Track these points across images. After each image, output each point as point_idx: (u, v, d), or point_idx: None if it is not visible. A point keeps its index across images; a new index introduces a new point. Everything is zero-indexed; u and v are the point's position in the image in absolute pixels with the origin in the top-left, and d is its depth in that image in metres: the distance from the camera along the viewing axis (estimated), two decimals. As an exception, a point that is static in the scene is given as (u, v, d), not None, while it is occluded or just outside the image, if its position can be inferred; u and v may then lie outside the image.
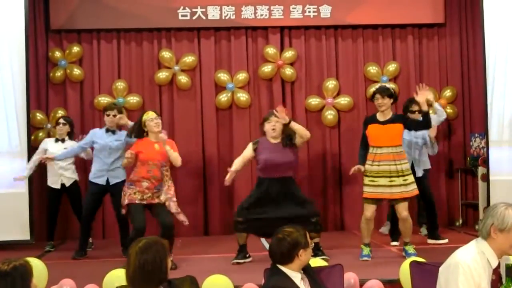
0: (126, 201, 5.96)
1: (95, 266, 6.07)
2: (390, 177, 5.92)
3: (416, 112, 6.87)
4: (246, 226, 6.05)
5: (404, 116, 6.30)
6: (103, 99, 8.02)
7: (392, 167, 5.93)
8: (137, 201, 5.91)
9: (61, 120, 7.15)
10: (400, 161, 5.97)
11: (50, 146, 7.03)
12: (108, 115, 6.67)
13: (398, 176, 5.93)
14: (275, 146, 6.10)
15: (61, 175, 7.05)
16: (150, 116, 6.07)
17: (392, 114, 6.10)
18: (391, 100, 6.10)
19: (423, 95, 5.96)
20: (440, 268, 3.37)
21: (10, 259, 2.90)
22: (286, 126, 6.08)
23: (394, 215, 6.59)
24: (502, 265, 3.31)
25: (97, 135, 6.64)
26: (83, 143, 6.76)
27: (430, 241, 6.95)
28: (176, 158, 6.04)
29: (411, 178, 6.00)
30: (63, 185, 7.07)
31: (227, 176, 6.21)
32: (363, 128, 6.22)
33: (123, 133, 6.60)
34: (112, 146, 6.59)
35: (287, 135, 6.10)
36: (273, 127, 6.11)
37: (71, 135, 7.15)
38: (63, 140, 7.05)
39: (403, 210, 6.00)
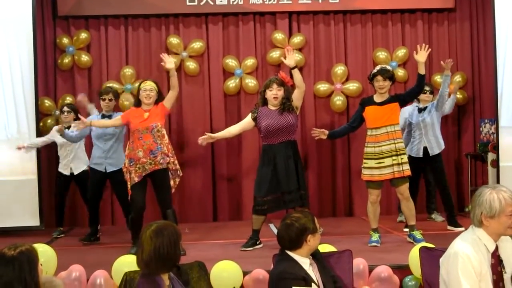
0: (132, 183, 5.90)
1: (104, 252, 6.10)
2: (392, 156, 5.93)
3: (428, 93, 6.85)
4: (266, 208, 6.02)
5: (397, 94, 6.30)
6: (111, 86, 8.01)
7: (392, 146, 5.94)
8: (144, 174, 5.86)
9: (66, 108, 7.09)
10: (396, 139, 5.97)
11: (56, 136, 7.01)
12: (103, 99, 6.64)
13: (397, 155, 5.94)
14: (274, 112, 6.07)
15: (71, 163, 7.05)
16: (144, 86, 6.03)
17: (388, 96, 6.09)
18: (391, 83, 6.10)
19: (424, 56, 5.95)
20: (441, 259, 3.38)
21: (16, 244, 2.92)
22: (286, 90, 6.07)
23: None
24: (500, 248, 3.32)
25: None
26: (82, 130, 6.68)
27: (450, 227, 6.91)
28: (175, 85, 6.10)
29: (405, 158, 6.00)
30: (72, 172, 7.08)
31: (203, 137, 6.17)
32: (359, 108, 6.21)
33: (119, 116, 6.46)
34: (108, 132, 6.55)
35: (285, 97, 6.07)
36: (274, 95, 6.06)
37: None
38: (68, 128, 7.03)
39: (405, 190, 6.00)
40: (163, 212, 5.97)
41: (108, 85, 7.26)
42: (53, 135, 7.05)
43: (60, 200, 7.21)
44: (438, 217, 7.45)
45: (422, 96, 6.90)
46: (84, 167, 7.11)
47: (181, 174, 6.12)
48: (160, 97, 6.08)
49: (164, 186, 5.98)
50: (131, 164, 5.89)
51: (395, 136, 5.97)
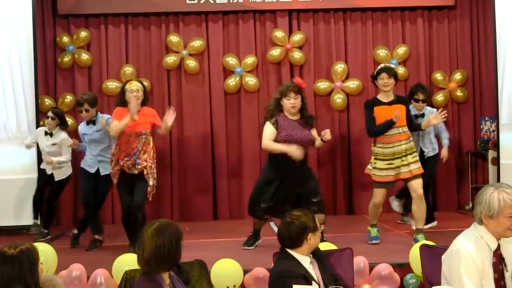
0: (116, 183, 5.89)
1: (104, 251, 6.10)
2: (401, 157, 5.88)
3: (420, 102, 6.80)
4: (266, 211, 5.92)
5: (405, 100, 6.30)
6: (111, 84, 8.03)
7: (403, 146, 5.89)
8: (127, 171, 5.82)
9: (50, 114, 6.80)
10: (408, 139, 5.94)
11: (40, 139, 6.84)
12: (80, 111, 6.47)
13: (407, 155, 5.89)
14: (295, 123, 5.87)
15: (55, 168, 6.83)
16: (130, 87, 5.90)
17: (394, 96, 6.05)
18: (395, 81, 6.06)
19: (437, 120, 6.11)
20: (443, 256, 3.38)
21: (16, 243, 2.92)
22: (302, 98, 5.92)
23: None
24: (502, 246, 3.31)
25: (81, 129, 6.50)
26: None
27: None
28: (167, 128, 5.98)
29: (412, 157, 5.95)
30: (52, 175, 6.85)
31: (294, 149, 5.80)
32: (369, 111, 6.05)
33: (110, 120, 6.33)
34: (96, 138, 6.39)
35: (309, 116, 5.95)
36: (292, 105, 5.83)
37: (64, 126, 6.85)
38: (51, 134, 6.79)
39: (419, 187, 5.90)
40: (133, 214, 5.82)
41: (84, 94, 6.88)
42: (36, 135, 6.91)
43: (36, 196, 7.01)
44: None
45: (415, 104, 6.84)
46: (64, 176, 6.88)
47: (154, 191, 5.95)
48: (146, 97, 5.98)
49: (138, 189, 5.84)
50: (117, 165, 5.87)
51: (406, 136, 5.93)
